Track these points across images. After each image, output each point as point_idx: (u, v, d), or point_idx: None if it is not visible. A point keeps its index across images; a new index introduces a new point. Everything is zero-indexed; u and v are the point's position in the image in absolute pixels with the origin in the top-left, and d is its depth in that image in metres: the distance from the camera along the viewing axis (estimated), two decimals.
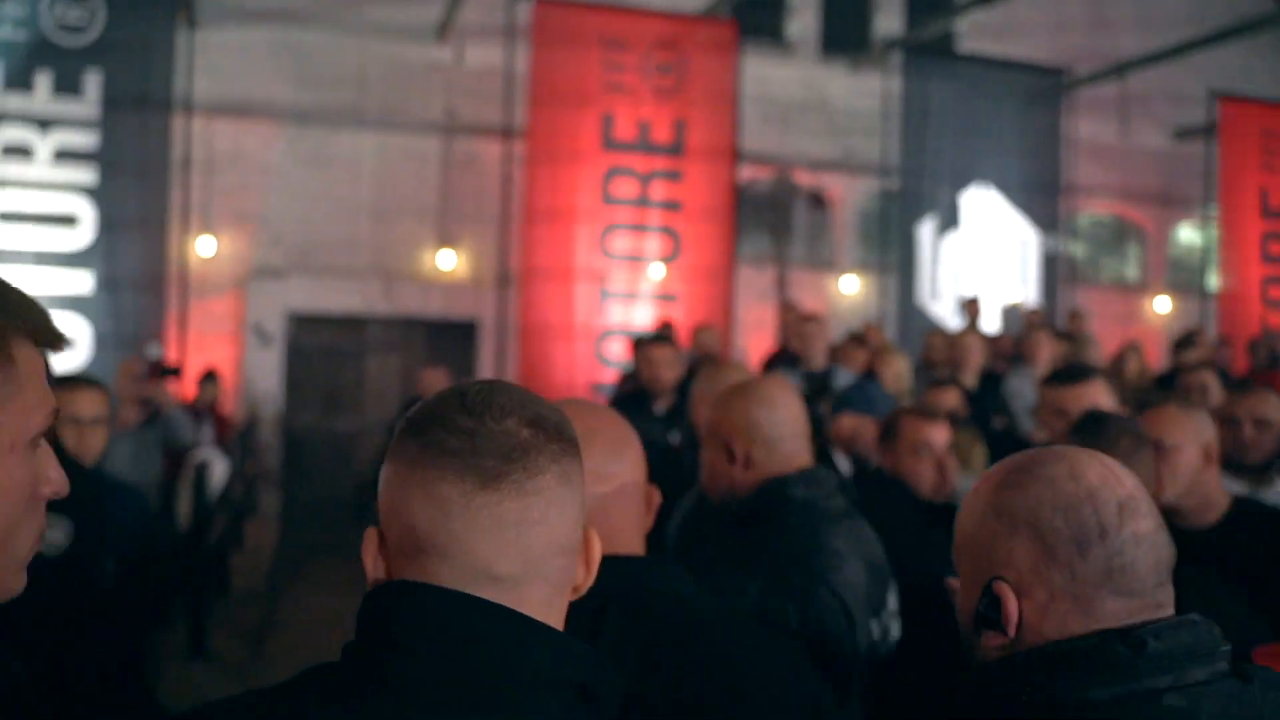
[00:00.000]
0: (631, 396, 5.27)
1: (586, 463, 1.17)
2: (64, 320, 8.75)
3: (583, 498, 1.06)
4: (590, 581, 1.09)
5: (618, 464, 1.49)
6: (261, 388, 10.74)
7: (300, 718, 0.95)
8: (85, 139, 8.88)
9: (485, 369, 10.95)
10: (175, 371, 6.17)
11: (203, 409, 8.25)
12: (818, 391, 5.73)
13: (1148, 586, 1.18)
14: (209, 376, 8.87)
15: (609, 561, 1.23)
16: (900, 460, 3.14)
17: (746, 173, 11.58)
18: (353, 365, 11.30)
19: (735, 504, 2.25)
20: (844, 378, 6.41)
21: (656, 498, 1.57)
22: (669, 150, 9.95)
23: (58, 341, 0.96)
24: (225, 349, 10.61)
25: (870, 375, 6.56)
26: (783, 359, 7.41)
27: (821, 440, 4.16)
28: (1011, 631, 1.19)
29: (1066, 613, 1.18)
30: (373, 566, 1.02)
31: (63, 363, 8.39)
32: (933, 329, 8.94)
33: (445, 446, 1.00)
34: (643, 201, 9.93)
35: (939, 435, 3.16)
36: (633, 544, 1.49)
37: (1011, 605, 1.19)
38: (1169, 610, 1.20)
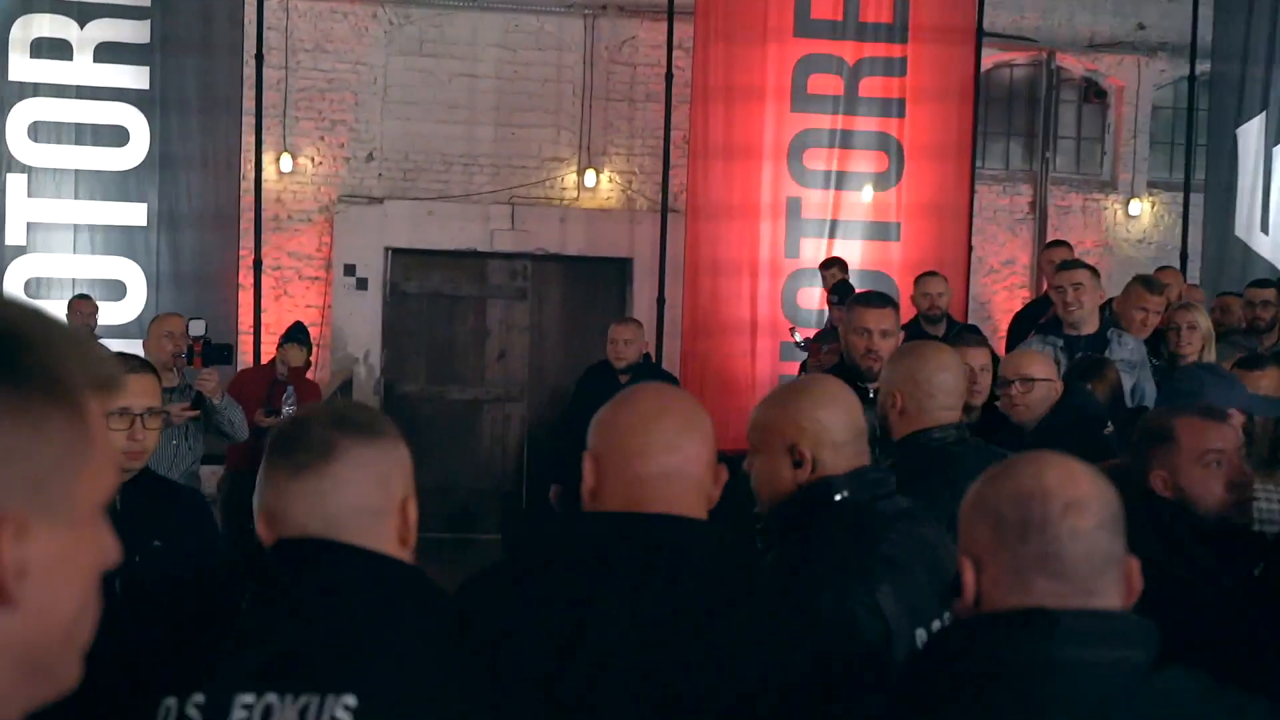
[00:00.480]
0: (834, 374, 5.16)
1: (658, 437, 2.16)
2: (115, 267, 9.22)
3: (385, 473, 1.98)
4: (413, 538, 2.00)
5: (683, 438, 2.20)
6: (354, 345, 11.05)
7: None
8: (133, 31, 9.23)
9: (642, 316, 10.91)
10: (227, 353, 6.38)
11: (284, 377, 8.41)
12: (1087, 368, 5.48)
13: (1081, 575, 1.79)
14: (294, 334, 8.93)
15: (667, 520, 2.12)
16: (1181, 473, 3.23)
17: (993, 58, 11.27)
18: (470, 315, 11.50)
19: (779, 513, 2.70)
20: (1126, 346, 6.13)
21: (723, 474, 2.26)
22: (887, 33, 9.78)
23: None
24: (306, 296, 10.96)
25: (1161, 342, 6.30)
26: (1038, 318, 7.15)
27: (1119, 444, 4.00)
28: (969, 598, 1.84)
29: (1009, 588, 1.80)
30: (265, 533, 1.98)
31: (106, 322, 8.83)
32: (1259, 277, 8.57)
33: (280, 448, 1.98)
34: (849, 103, 9.79)
35: (1232, 439, 3.27)
36: (694, 510, 2.20)
37: (969, 576, 1.84)
38: (1104, 600, 1.80)
